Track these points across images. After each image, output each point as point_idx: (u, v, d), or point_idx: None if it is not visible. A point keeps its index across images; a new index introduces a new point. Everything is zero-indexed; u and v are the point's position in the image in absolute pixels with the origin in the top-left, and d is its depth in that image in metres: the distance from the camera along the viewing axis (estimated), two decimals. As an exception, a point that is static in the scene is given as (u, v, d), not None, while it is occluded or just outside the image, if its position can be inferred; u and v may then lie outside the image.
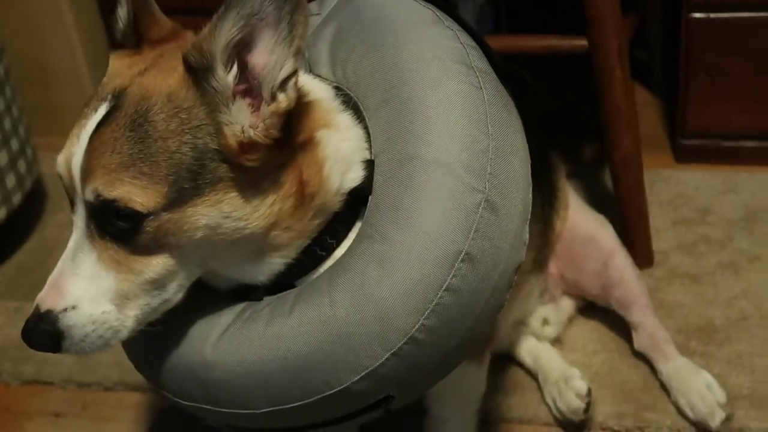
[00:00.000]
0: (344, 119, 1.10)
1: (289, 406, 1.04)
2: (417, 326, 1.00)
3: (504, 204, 1.04)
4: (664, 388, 1.58)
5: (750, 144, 2.13)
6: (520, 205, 1.07)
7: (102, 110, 1.00)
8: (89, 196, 0.98)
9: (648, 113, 2.35)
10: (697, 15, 2.00)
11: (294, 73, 1.00)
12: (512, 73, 1.21)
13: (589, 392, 1.53)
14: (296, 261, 1.09)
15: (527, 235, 1.09)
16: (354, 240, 1.07)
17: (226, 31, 0.96)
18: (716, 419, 1.49)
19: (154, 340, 1.09)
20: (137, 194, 0.96)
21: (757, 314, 1.71)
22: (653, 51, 2.39)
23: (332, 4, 1.23)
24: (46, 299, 0.99)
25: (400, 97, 1.07)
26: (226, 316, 1.10)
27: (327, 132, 1.08)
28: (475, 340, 1.09)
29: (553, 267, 1.68)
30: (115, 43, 1.12)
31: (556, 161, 1.69)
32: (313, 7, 1.26)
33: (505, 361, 1.68)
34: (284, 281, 1.10)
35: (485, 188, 1.02)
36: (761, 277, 1.80)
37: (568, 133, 2.27)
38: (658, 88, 2.44)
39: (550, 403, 1.57)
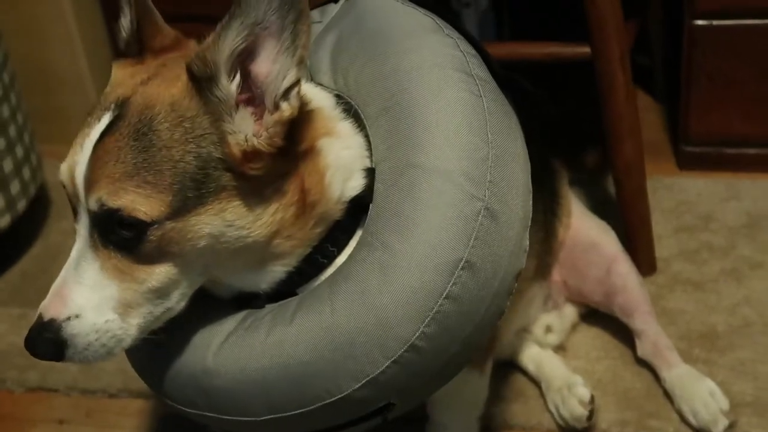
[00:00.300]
0: (345, 127, 1.11)
1: (290, 413, 1.04)
2: (417, 334, 1.00)
3: (504, 212, 1.04)
4: (667, 395, 1.58)
5: (752, 151, 2.12)
6: (520, 212, 1.07)
7: (105, 119, 1.00)
8: (93, 205, 0.98)
9: (650, 119, 2.35)
10: (700, 22, 2.00)
11: (297, 82, 1.00)
12: (512, 81, 1.21)
13: (592, 399, 1.53)
14: (297, 269, 1.09)
15: (528, 243, 1.09)
16: (355, 248, 1.07)
17: (230, 40, 0.97)
18: (719, 426, 1.49)
19: (156, 348, 1.10)
20: (141, 203, 0.96)
21: (760, 321, 1.71)
22: (655, 57, 2.39)
23: (333, 12, 1.24)
24: (50, 308, 1.00)
25: (401, 105, 1.07)
26: (228, 323, 1.10)
27: (328, 140, 1.08)
28: (475, 348, 1.09)
29: (556, 274, 1.68)
30: (118, 52, 1.12)
31: (559, 168, 1.69)
32: (314, 15, 1.26)
33: (508, 368, 1.68)
34: (285, 289, 1.11)
35: (485, 196, 1.02)
36: (764, 284, 1.80)
37: (570, 140, 2.28)
38: (660, 95, 2.44)
39: (553, 410, 1.57)
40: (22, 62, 2.35)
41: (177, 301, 1.05)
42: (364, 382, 1.01)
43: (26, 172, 2.09)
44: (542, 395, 1.61)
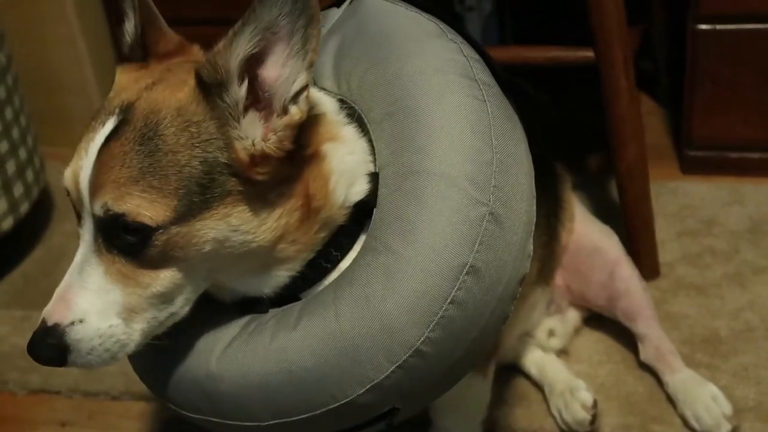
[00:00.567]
0: (349, 132, 1.11)
1: (294, 418, 1.04)
2: (422, 339, 1.00)
3: (508, 216, 1.04)
4: (670, 399, 1.58)
5: (756, 155, 2.12)
6: (524, 217, 1.07)
7: (110, 124, 1.00)
8: (98, 210, 0.98)
9: (654, 124, 2.35)
10: (704, 26, 2.00)
11: (306, 85, 1.00)
12: (515, 85, 1.21)
13: (595, 404, 1.53)
14: (301, 274, 1.09)
15: (531, 247, 1.09)
16: (359, 253, 1.07)
17: (242, 46, 0.97)
18: (722, 431, 1.49)
19: (159, 353, 1.09)
20: (146, 208, 0.96)
21: (763, 326, 1.71)
22: (658, 61, 2.39)
23: (336, 16, 1.24)
24: (53, 313, 1.00)
25: (404, 110, 1.07)
26: (232, 328, 1.10)
27: (333, 145, 1.08)
28: (479, 353, 1.09)
29: (559, 278, 1.68)
30: (122, 57, 1.12)
31: (562, 172, 1.69)
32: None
33: (511, 372, 1.68)
34: (289, 294, 1.11)
35: (489, 201, 1.02)
36: (767, 288, 1.80)
37: (573, 144, 2.28)
38: (664, 99, 2.44)
39: (556, 414, 1.57)
40: (26, 64, 2.35)
41: (181, 306, 1.05)
42: (368, 387, 1.01)
43: (29, 175, 2.10)
44: (545, 399, 1.61)
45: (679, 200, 2.07)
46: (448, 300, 1.00)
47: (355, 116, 1.13)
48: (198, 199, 0.98)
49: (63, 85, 2.51)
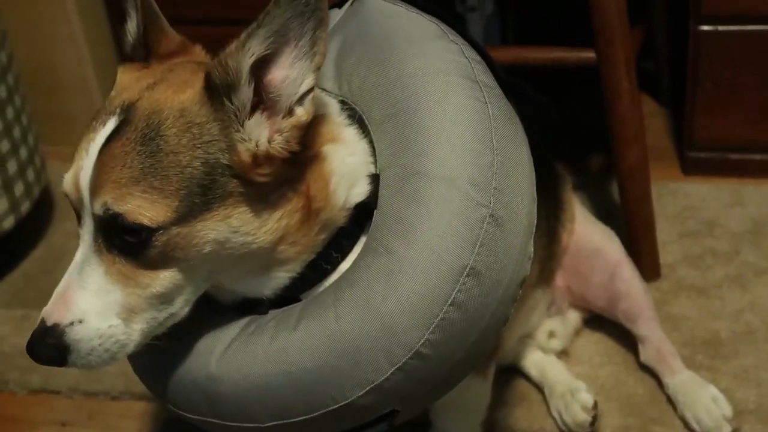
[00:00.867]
0: (350, 134, 1.11)
1: (293, 420, 1.04)
2: (422, 341, 1.00)
3: (509, 218, 1.04)
4: (670, 401, 1.57)
5: (757, 157, 2.12)
6: (525, 219, 1.07)
7: (111, 124, 1.00)
8: (98, 210, 0.98)
9: (655, 125, 2.35)
10: (706, 28, 2.00)
11: (313, 87, 1.00)
12: (516, 86, 1.21)
13: (596, 405, 1.53)
14: (301, 275, 1.09)
15: (532, 249, 1.09)
16: (359, 254, 1.07)
17: (254, 48, 0.97)
18: (722, 433, 1.49)
19: (159, 354, 1.09)
20: (147, 209, 0.96)
21: (764, 328, 1.70)
22: (660, 63, 2.39)
23: (337, 17, 1.24)
24: (53, 313, 1.00)
25: (405, 112, 1.07)
26: (231, 329, 1.10)
27: (334, 147, 1.08)
28: (480, 355, 1.09)
29: (560, 279, 1.68)
30: (124, 56, 1.12)
31: (562, 174, 1.69)
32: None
33: (511, 373, 1.68)
34: (289, 295, 1.10)
35: (490, 203, 1.02)
36: (768, 290, 1.80)
37: (574, 145, 2.27)
38: (665, 100, 2.44)
39: (556, 415, 1.57)
40: (27, 64, 2.35)
41: (181, 307, 1.04)
42: (368, 389, 1.01)
43: (30, 174, 2.10)
44: (545, 400, 1.61)
45: (680, 201, 2.07)
46: (449, 302, 1.00)
47: (356, 117, 1.13)
48: (199, 200, 0.98)
49: (64, 85, 2.51)
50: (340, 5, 1.26)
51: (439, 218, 1.01)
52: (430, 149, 1.04)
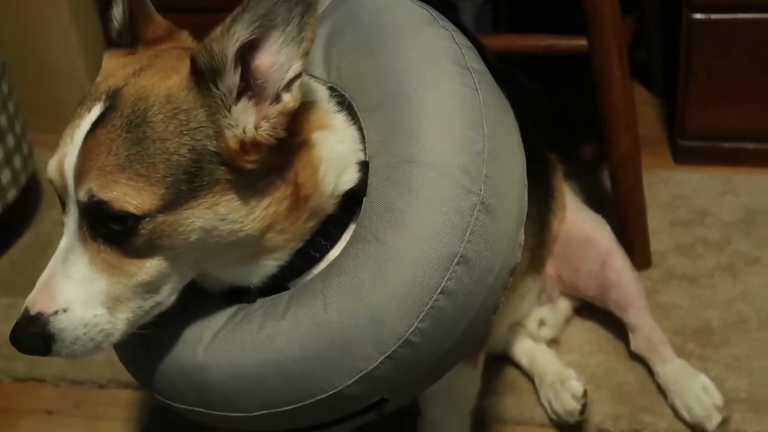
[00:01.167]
0: (339, 120, 1.09)
1: (281, 409, 1.03)
2: (412, 329, 0.99)
3: (499, 206, 1.03)
4: (660, 390, 1.57)
5: (749, 146, 2.12)
6: (516, 206, 1.06)
7: (96, 111, 0.98)
8: (83, 197, 0.97)
9: (647, 113, 2.35)
10: (698, 16, 2.00)
11: (300, 73, 0.99)
12: (508, 73, 1.20)
13: (585, 394, 1.53)
14: (289, 263, 1.08)
15: (523, 237, 1.08)
16: (348, 242, 1.06)
17: (240, 32, 0.95)
18: (713, 422, 1.48)
19: (145, 342, 1.08)
20: (133, 196, 0.95)
21: (755, 317, 1.70)
22: (652, 51, 2.38)
23: (325, 3, 1.22)
24: (37, 302, 0.99)
25: (395, 98, 1.06)
26: (219, 318, 1.09)
27: (323, 133, 1.07)
28: (469, 343, 1.08)
29: (551, 267, 1.67)
30: (110, 42, 1.11)
31: (554, 161, 1.68)
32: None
33: (501, 361, 1.67)
34: (277, 283, 1.09)
35: (480, 190, 1.01)
36: (759, 279, 1.79)
37: (565, 133, 2.27)
38: (657, 88, 2.44)
39: (546, 404, 1.57)
40: (14, 51, 2.33)
41: (167, 296, 1.03)
42: (357, 377, 1.00)
43: (17, 161, 2.08)
44: (535, 389, 1.61)
45: (672, 190, 2.07)
46: (438, 290, 0.99)
47: (345, 104, 1.11)
48: (186, 187, 0.97)
49: (51, 72, 2.49)
50: (329, -10, 1.24)
51: (429, 205, 1.00)
52: (420, 136, 1.03)
